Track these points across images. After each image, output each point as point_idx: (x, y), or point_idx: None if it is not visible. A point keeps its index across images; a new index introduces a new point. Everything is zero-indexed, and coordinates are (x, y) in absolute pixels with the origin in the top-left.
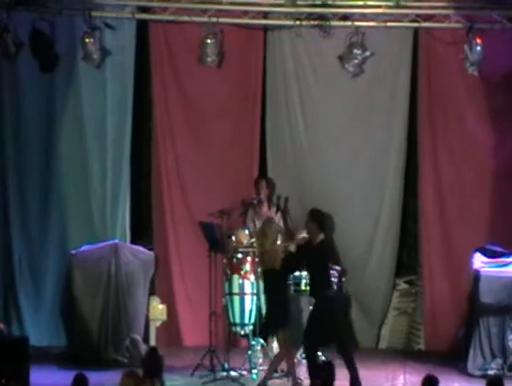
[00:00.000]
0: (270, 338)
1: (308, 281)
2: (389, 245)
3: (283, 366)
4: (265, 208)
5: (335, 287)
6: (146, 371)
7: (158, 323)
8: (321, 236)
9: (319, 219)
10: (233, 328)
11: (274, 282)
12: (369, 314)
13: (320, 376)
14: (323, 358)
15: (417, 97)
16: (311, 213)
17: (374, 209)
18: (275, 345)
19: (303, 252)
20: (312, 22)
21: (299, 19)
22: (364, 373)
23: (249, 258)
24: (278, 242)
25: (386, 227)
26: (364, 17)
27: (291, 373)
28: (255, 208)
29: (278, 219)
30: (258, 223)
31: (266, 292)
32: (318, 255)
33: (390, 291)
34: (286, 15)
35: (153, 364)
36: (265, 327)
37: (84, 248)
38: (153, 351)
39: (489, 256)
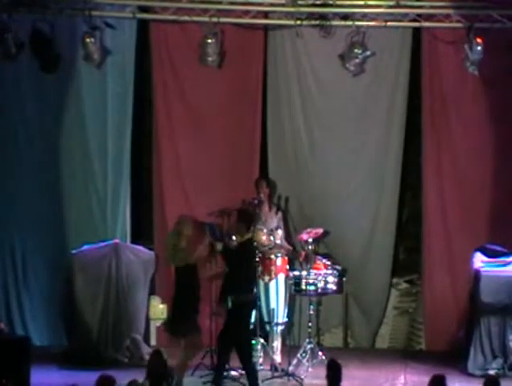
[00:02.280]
0: (177, 338)
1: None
2: (387, 245)
3: (284, 365)
4: (265, 208)
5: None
6: (150, 373)
7: (158, 323)
8: (247, 236)
9: (247, 219)
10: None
11: (185, 280)
12: (367, 313)
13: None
14: (324, 357)
15: (418, 97)
16: (239, 213)
17: (373, 209)
18: (275, 344)
19: (227, 251)
20: (313, 22)
21: (299, 19)
22: (364, 373)
23: None
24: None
25: (384, 227)
26: (364, 16)
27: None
28: (255, 209)
29: (278, 219)
30: (259, 224)
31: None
32: (239, 254)
33: (388, 291)
34: (287, 15)
35: (156, 366)
36: (174, 327)
37: (85, 247)
38: (157, 353)
39: (490, 256)
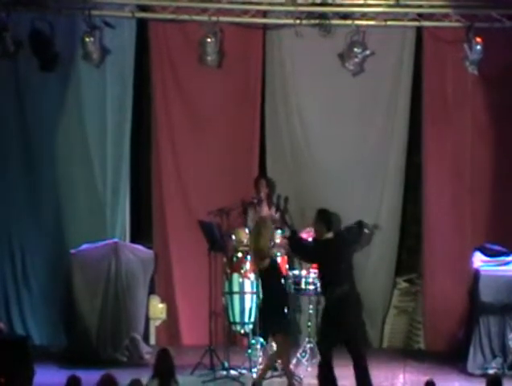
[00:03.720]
0: (269, 338)
1: (319, 279)
2: (389, 245)
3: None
4: (265, 207)
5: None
6: (157, 371)
7: (157, 322)
8: (329, 235)
9: (327, 219)
10: (233, 327)
11: (271, 280)
12: (369, 313)
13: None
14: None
15: (418, 97)
16: (319, 213)
17: (374, 209)
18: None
19: (316, 245)
20: (312, 21)
21: (299, 18)
22: None
23: (249, 257)
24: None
25: (385, 227)
26: (364, 16)
27: (286, 373)
28: (255, 208)
29: (277, 218)
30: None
31: (263, 291)
32: (330, 251)
33: (390, 290)
34: (286, 14)
35: (164, 365)
36: (263, 328)
37: (84, 247)
38: (164, 351)
39: (489, 255)
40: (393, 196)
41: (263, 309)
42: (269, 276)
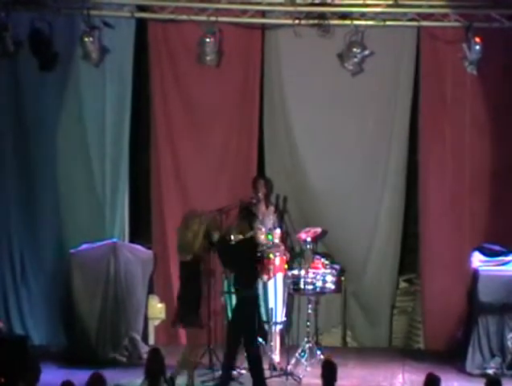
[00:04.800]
0: (183, 327)
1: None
2: (390, 245)
3: (282, 364)
4: (262, 207)
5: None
6: (148, 371)
7: (156, 322)
8: (250, 234)
9: (249, 217)
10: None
11: (190, 275)
12: (370, 313)
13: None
14: (321, 357)
15: (417, 96)
16: (241, 211)
17: (374, 208)
18: (274, 344)
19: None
20: (311, 21)
21: (297, 18)
22: (363, 372)
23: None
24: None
25: (386, 227)
26: (363, 16)
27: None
28: (253, 208)
29: (275, 218)
30: (256, 223)
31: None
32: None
33: (393, 291)
34: (285, 14)
35: (155, 365)
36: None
37: (83, 247)
38: (155, 351)
39: (488, 255)
40: (394, 196)
41: (181, 300)
42: (189, 270)
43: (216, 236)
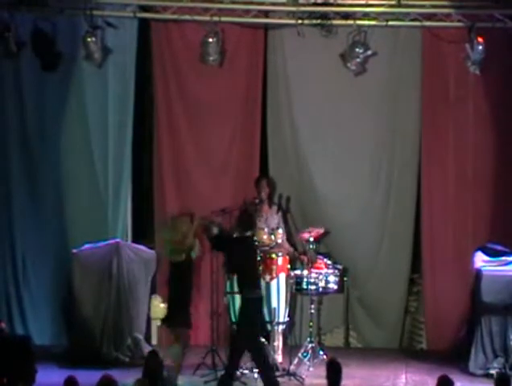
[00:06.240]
0: (171, 330)
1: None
2: (400, 246)
3: (285, 364)
4: (265, 207)
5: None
6: (146, 373)
7: (159, 322)
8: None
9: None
10: (235, 327)
11: (183, 275)
12: (377, 314)
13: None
14: (324, 357)
15: (420, 96)
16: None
17: (380, 208)
18: (276, 344)
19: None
20: (314, 21)
21: (300, 18)
22: (365, 372)
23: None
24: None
25: (395, 227)
26: (366, 16)
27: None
28: (256, 207)
29: (279, 218)
30: (260, 223)
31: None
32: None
33: (404, 292)
34: (288, 14)
35: (153, 366)
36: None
37: (86, 247)
38: (153, 353)
39: (491, 255)
40: (402, 196)
41: (173, 300)
42: (183, 270)
43: (215, 230)
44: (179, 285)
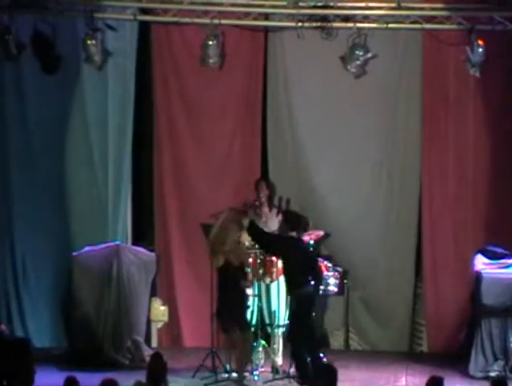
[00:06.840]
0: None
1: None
2: (403, 248)
3: (285, 367)
4: (265, 209)
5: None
6: (150, 375)
7: (159, 324)
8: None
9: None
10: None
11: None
12: (392, 317)
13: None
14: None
15: (421, 98)
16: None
17: (382, 211)
18: (277, 346)
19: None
20: (314, 24)
21: (300, 21)
22: (365, 375)
23: (250, 260)
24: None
25: (398, 229)
26: (366, 18)
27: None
28: (256, 210)
29: (279, 220)
30: (260, 224)
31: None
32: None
33: (410, 294)
34: (288, 17)
35: (157, 369)
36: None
37: (86, 249)
38: (157, 355)
39: (491, 258)
40: (405, 198)
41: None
42: (230, 276)
43: (246, 221)
44: (228, 292)
